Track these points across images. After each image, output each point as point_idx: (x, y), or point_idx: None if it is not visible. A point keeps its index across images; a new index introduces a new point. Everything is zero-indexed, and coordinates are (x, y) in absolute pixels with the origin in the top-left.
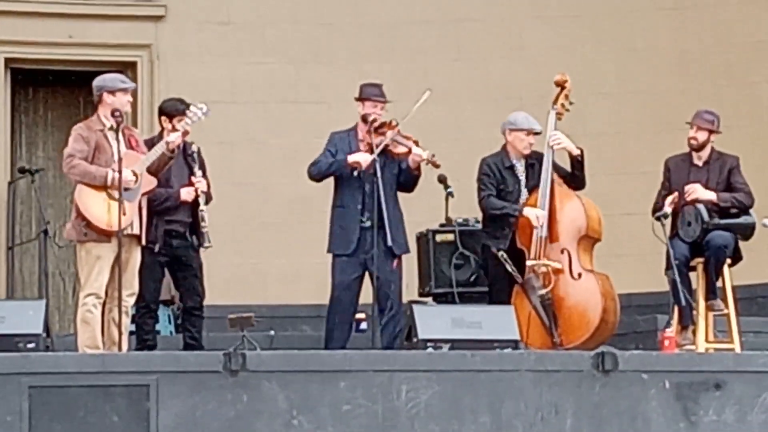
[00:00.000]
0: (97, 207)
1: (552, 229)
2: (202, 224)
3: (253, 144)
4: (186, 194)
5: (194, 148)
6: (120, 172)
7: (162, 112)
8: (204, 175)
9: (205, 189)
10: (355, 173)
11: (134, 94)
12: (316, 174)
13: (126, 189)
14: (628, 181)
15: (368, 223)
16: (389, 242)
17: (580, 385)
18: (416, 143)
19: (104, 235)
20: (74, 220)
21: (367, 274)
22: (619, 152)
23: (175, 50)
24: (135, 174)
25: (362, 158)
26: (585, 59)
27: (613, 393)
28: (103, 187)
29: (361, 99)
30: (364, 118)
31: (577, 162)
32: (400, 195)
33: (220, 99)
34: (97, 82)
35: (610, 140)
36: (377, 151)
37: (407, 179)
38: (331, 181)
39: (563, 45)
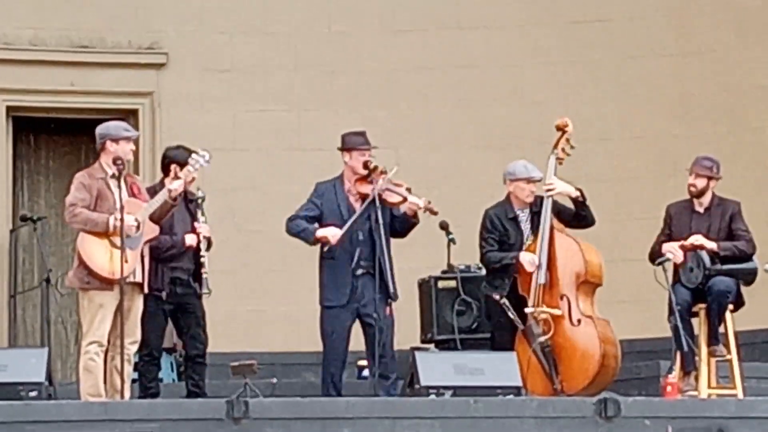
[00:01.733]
0: (100, 255)
1: (551, 276)
2: (203, 270)
3: (255, 190)
4: (190, 240)
5: (200, 194)
6: (122, 219)
7: (173, 160)
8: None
9: (208, 234)
10: (326, 248)
11: (136, 141)
12: (289, 232)
13: (128, 236)
14: (628, 226)
15: (360, 271)
16: (391, 289)
17: None
18: (409, 190)
19: (106, 283)
20: (76, 268)
21: (358, 321)
22: (620, 197)
23: (176, 97)
24: (137, 221)
25: (330, 233)
26: (586, 104)
27: None
28: (105, 234)
29: (345, 149)
30: (365, 166)
31: (579, 203)
32: (400, 241)
33: (221, 146)
34: (100, 129)
35: (610, 185)
36: (355, 216)
37: (403, 227)
38: None
39: (564, 90)
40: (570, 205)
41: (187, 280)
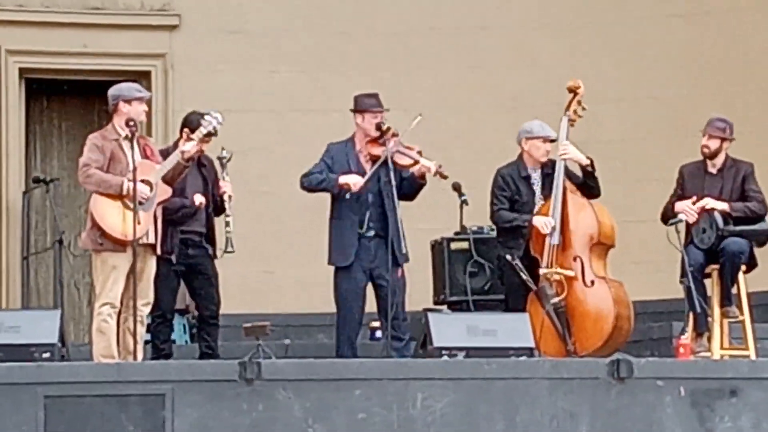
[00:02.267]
0: (113, 216)
1: (564, 237)
2: (227, 229)
3: (267, 153)
4: (199, 198)
5: (225, 153)
6: (135, 181)
7: (185, 123)
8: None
9: (231, 193)
10: (347, 195)
11: (148, 103)
12: (307, 187)
13: (141, 202)
14: (641, 188)
15: (371, 233)
16: (403, 250)
17: (596, 393)
18: (420, 153)
19: (119, 245)
20: (89, 229)
21: (370, 283)
22: (632, 159)
23: (189, 59)
24: (150, 184)
25: (353, 180)
26: (597, 66)
27: (628, 400)
28: (118, 196)
29: (358, 111)
30: (378, 127)
31: (588, 172)
32: (412, 202)
33: (233, 108)
34: (112, 91)
35: (622, 147)
36: (374, 168)
37: (411, 189)
38: None
39: (575, 52)
40: (579, 173)
41: (198, 241)
